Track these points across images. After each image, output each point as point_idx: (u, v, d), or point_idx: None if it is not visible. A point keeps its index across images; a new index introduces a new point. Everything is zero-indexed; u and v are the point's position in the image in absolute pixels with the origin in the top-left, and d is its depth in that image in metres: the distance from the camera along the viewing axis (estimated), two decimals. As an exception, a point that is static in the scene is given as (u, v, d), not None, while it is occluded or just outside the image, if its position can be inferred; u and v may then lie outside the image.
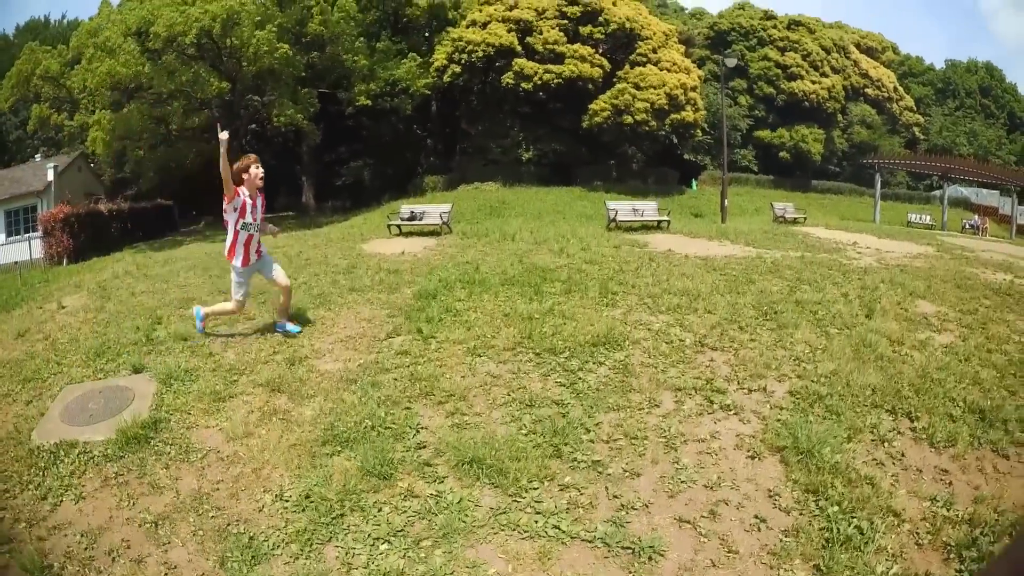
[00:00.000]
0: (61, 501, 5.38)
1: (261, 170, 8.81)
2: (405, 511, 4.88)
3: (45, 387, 8.03)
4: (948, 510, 4.75)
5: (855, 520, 4.56)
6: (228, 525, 4.95)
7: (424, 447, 5.64)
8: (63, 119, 42.55)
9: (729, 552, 4.39)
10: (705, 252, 15.17)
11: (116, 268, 18.40)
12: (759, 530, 4.59)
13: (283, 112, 36.12)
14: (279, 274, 9.02)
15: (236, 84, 37.89)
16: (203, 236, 36.37)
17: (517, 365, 7.35)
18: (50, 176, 45.15)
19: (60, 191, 44.11)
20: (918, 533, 4.52)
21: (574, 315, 9.01)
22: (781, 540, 4.48)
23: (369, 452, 5.50)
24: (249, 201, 8.69)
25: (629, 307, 9.61)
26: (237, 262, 8.82)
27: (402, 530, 4.69)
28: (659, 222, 22.54)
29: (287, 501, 5.10)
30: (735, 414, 6.10)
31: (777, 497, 4.89)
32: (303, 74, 39.33)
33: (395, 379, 7.12)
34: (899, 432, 5.84)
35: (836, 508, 4.68)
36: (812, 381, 6.79)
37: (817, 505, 4.77)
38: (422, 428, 5.99)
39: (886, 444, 5.64)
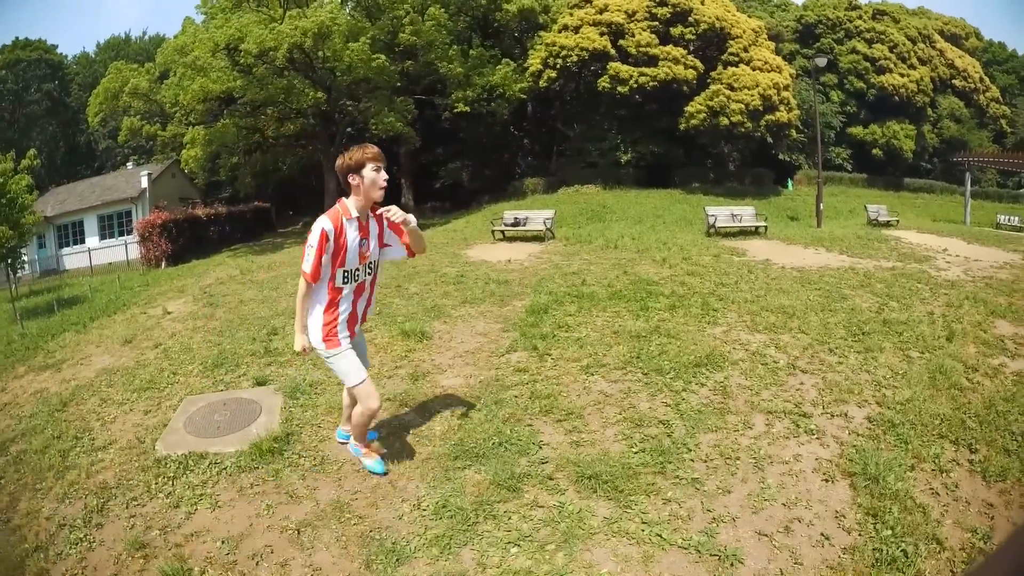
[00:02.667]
0: (196, 509, 5.78)
1: (384, 174, 5.59)
2: (532, 519, 5.31)
3: (163, 397, 8.52)
4: (985, 543, 4.98)
5: (903, 544, 4.87)
6: (370, 531, 5.32)
7: (546, 462, 6.09)
8: (156, 129, 43.58)
9: (796, 563, 4.78)
10: (801, 262, 15.53)
11: (219, 273, 19.35)
12: (823, 546, 4.97)
13: (381, 120, 36.38)
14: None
15: (331, 93, 38.30)
16: (301, 238, 36.85)
17: (627, 384, 7.80)
18: (144, 183, 48.18)
19: (154, 196, 46.61)
20: (954, 562, 4.77)
21: (678, 334, 9.44)
22: (839, 556, 4.85)
23: (498, 466, 5.97)
24: (353, 233, 5.59)
25: (729, 325, 10.01)
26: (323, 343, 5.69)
27: (529, 536, 5.11)
28: (757, 227, 22.94)
29: (425, 510, 5.50)
30: (817, 439, 6.47)
31: (843, 518, 5.27)
32: (398, 83, 39.47)
33: (516, 396, 7.57)
34: (957, 463, 6.05)
35: (889, 532, 5.01)
36: (888, 408, 7.09)
37: (874, 527, 5.10)
38: (544, 445, 6.44)
39: (944, 474, 5.86)
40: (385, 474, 6.11)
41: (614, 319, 10.41)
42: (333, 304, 5.65)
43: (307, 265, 5.45)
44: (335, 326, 5.67)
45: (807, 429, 6.66)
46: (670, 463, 6.04)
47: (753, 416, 7.00)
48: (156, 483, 6.27)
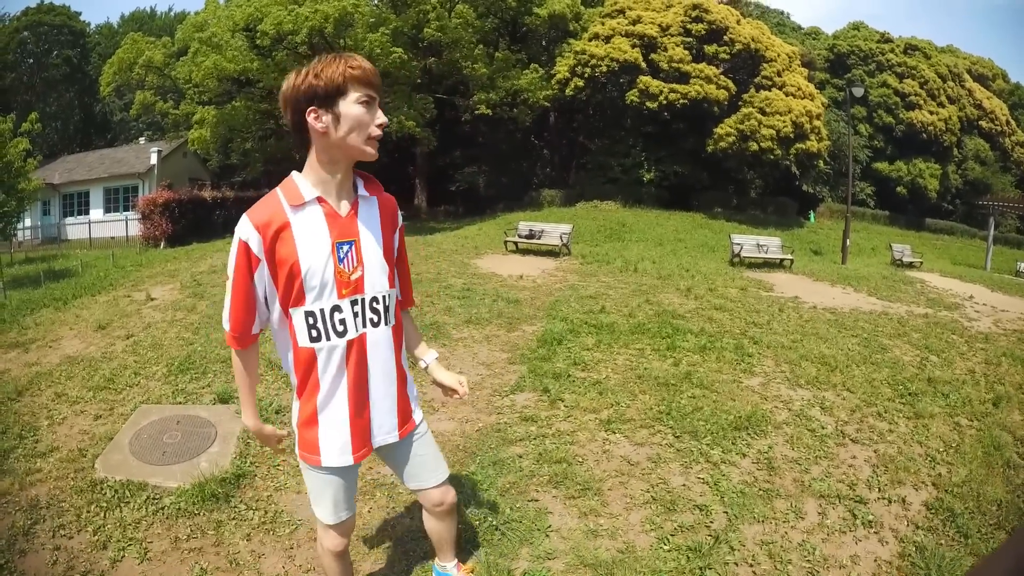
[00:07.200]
0: (123, 556, 4.74)
1: (381, 114, 2.99)
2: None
3: (118, 401, 7.56)
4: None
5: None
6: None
7: (553, 557, 4.71)
8: (168, 107, 43.19)
9: None
10: (831, 302, 14.85)
11: (214, 260, 18.39)
12: None
13: (397, 118, 35.45)
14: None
15: (351, 83, 37.47)
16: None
17: (656, 449, 6.48)
18: (153, 160, 47.80)
19: (163, 174, 46.19)
20: None
21: (712, 384, 8.28)
22: None
23: (492, 559, 4.62)
24: (309, 230, 2.98)
25: (767, 375, 8.91)
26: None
27: None
28: (782, 260, 22.60)
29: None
30: (875, 532, 5.32)
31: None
32: (419, 80, 38.89)
33: (520, 457, 6.18)
34: (1011, 558, 5.08)
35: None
36: (946, 491, 6.00)
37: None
38: (552, 531, 5.03)
39: (999, 574, 4.87)
40: None
41: (638, 359, 9.24)
42: (305, 377, 3.05)
43: (225, 315, 3.11)
44: (314, 423, 3.09)
45: (864, 520, 5.46)
46: (710, 568, 4.73)
47: (804, 501, 5.73)
48: (88, 511, 5.28)
